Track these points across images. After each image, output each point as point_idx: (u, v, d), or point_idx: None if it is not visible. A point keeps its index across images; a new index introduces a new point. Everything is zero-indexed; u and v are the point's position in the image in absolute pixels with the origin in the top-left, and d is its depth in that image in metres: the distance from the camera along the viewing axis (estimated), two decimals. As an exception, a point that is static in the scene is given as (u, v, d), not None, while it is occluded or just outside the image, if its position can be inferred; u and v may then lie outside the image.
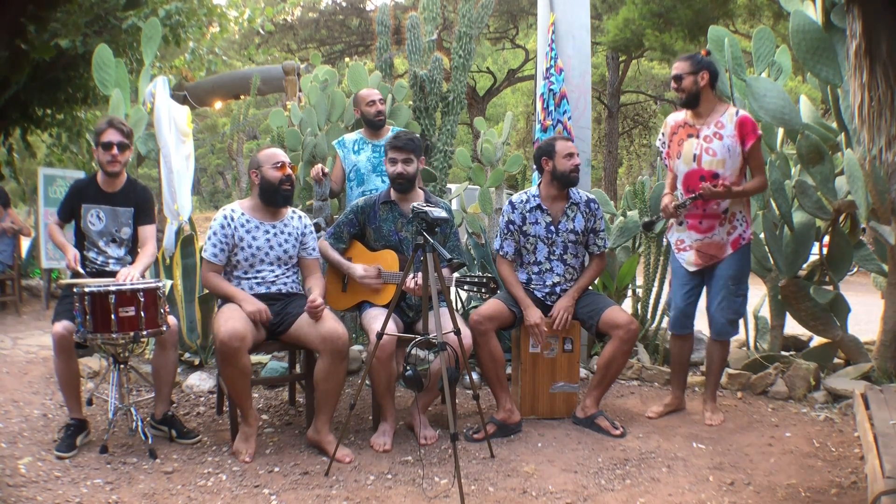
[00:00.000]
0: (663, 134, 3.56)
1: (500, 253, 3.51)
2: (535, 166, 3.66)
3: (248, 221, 3.17)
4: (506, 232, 3.50)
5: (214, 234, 3.13)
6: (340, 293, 3.42)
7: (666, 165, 3.58)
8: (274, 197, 3.17)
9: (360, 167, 4.10)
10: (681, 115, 3.45)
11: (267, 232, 3.18)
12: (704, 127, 3.33)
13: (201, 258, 3.21)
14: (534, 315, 3.38)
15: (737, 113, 3.28)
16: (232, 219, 3.15)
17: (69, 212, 3.33)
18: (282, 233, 3.21)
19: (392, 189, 3.38)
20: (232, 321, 2.88)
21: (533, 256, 3.50)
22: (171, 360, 3.21)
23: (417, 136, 3.40)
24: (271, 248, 3.18)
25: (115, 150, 3.22)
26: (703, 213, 3.38)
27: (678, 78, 3.32)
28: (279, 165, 3.15)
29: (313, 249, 3.29)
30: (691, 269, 3.47)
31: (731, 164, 3.28)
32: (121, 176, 3.32)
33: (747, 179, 3.42)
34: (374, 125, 4.14)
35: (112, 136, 3.22)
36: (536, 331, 3.38)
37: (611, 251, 4.51)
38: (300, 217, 3.30)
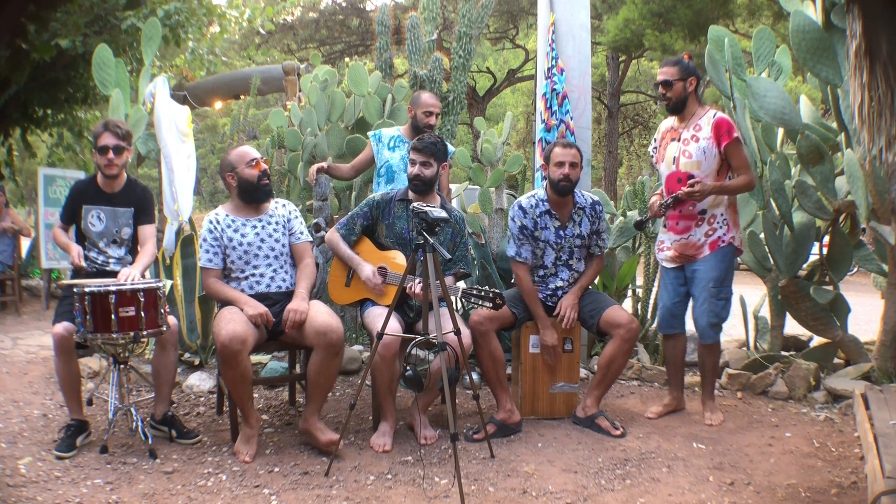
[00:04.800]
0: (655, 140, 3.58)
1: (518, 259, 3.45)
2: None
3: (233, 221, 3.16)
4: (520, 237, 3.45)
5: (205, 240, 3.13)
6: (343, 287, 3.41)
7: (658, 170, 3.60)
8: (255, 195, 3.16)
9: (393, 165, 4.00)
10: (670, 122, 3.49)
11: (255, 227, 3.18)
12: (685, 130, 3.37)
13: (200, 267, 3.21)
14: (551, 336, 3.38)
15: (714, 115, 3.30)
16: (217, 222, 3.15)
17: (71, 214, 3.33)
18: (269, 224, 3.21)
19: (409, 189, 3.38)
20: (232, 324, 2.87)
21: (540, 261, 3.49)
22: (171, 360, 3.21)
23: (442, 140, 3.35)
24: (262, 241, 3.17)
25: (110, 154, 3.22)
26: (679, 213, 3.39)
27: (667, 84, 3.33)
28: (254, 163, 3.14)
29: (301, 233, 3.27)
30: (669, 265, 3.49)
31: (706, 165, 3.29)
32: (120, 177, 3.32)
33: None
34: (420, 131, 4.02)
35: (108, 139, 3.22)
36: (552, 352, 3.39)
37: (611, 251, 4.52)
38: (284, 205, 3.30)
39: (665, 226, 3.50)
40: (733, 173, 3.35)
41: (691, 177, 3.30)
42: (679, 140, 3.37)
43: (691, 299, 3.52)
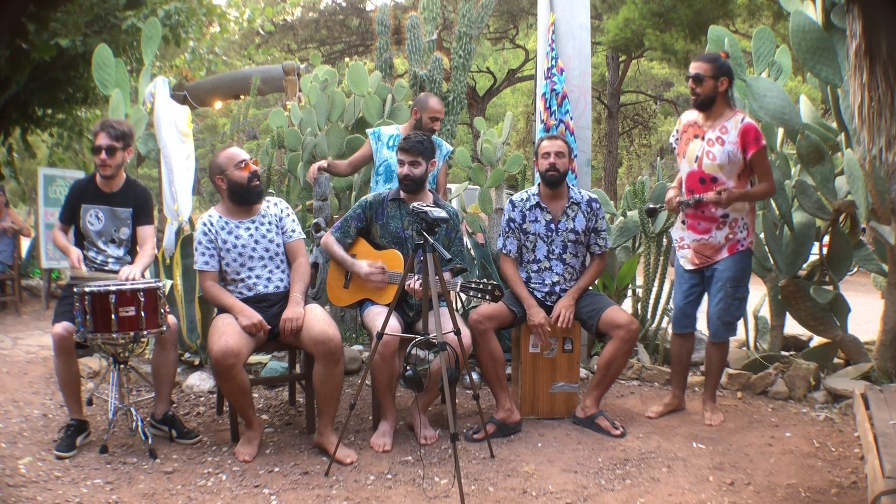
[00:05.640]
0: (677, 131, 3.54)
1: (504, 251, 3.52)
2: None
3: (227, 224, 3.14)
4: (507, 230, 3.51)
5: (200, 243, 3.11)
6: (342, 290, 3.41)
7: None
8: (246, 196, 3.13)
9: (392, 164, 3.95)
10: (694, 115, 3.43)
11: (248, 229, 3.15)
12: (710, 130, 3.31)
13: (196, 271, 3.18)
14: (538, 315, 3.38)
15: (742, 120, 3.25)
16: (211, 224, 3.12)
17: (70, 213, 3.32)
18: (262, 225, 3.18)
19: (400, 189, 3.38)
20: (225, 337, 2.84)
21: (532, 255, 3.50)
22: (171, 360, 3.21)
23: (428, 138, 3.36)
24: (256, 242, 3.15)
25: (103, 155, 3.20)
26: (702, 214, 3.37)
27: (698, 78, 3.27)
28: (243, 165, 3.10)
29: (293, 231, 3.24)
30: (688, 266, 3.48)
31: (729, 169, 3.27)
32: (119, 177, 3.31)
33: (753, 186, 3.38)
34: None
35: (101, 140, 3.20)
36: (540, 331, 3.39)
37: (611, 251, 4.51)
38: (275, 203, 3.27)
39: (684, 222, 3.48)
40: (755, 178, 3.34)
41: (714, 179, 3.28)
42: (703, 139, 3.33)
43: (705, 298, 3.51)
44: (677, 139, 3.52)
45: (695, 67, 3.30)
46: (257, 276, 3.14)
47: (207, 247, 3.10)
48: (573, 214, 3.49)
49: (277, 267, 3.19)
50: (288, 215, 3.26)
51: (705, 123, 3.35)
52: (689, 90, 3.38)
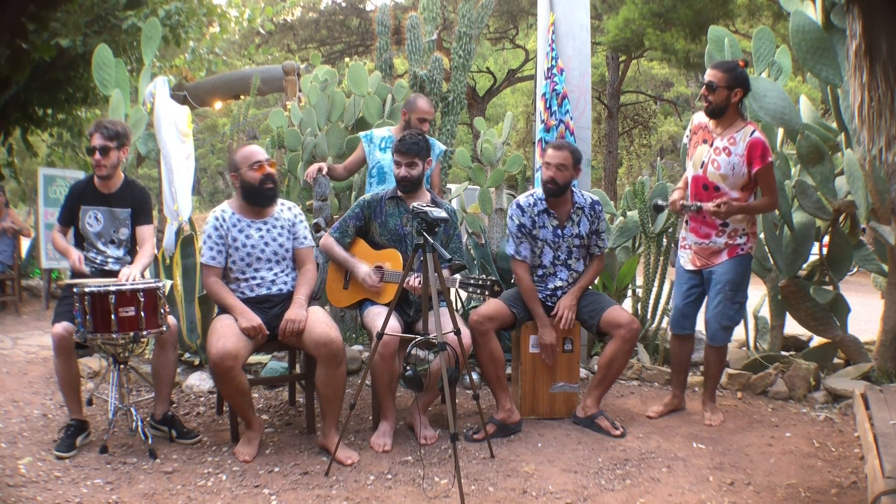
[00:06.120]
0: (689, 130, 3.53)
1: (518, 257, 3.45)
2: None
3: (239, 221, 3.13)
4: (519, 235, 3.45)
5: (209, 237, 3.09)
6: (342, 290, 3.42)
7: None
8: (258, 198, 3.11)
9: (384, 166, 4.00)
10: (706, 118, 3.40)
11: (259, 230, 3.14)
12: (719, 138, 3.29)
13: (201, 264, 3.17)
14: (549, 335, 3.39)
15: (752, 133, 3.21)
16: (224, 219, 3.11)
17: (70, 215, 3.32)
18: (274, 228, 3.16)
19: (398, 189, 3.39)
20: (223, 339, 2.83)
21: (539, 260, 3.49)
22: (171, 360, 3.21)
23: (423, 137, 3.37)
24: (266, 244, 3.14)
25: (97, 156, 3.20)
26: (703, 220, 3.37)
27: (711, 87, 3.22)
28: (257, 166, 3.08)
29: (304, 238, 3.24)
30: (688, 267, 3.48)
31: (732, 180, 3.25)
32: (116, 177, 3.31)
33: (757, 197, 3.36)
34: None
35: (96, 140, 3.20)
36: (550, 351, 3.41)
37: (611, 251, 4.51)
38: (290, 208, 3.25)
39: (687, 223, 3.48)
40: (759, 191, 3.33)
41: (717, 187, 3.28)
42: (711, 145, 3.31)
43: (704, 300, 3.51)
44: (689, 138, 3.51)
45: (710, 75, 3.25)
46: (261, 278, 3.14)
47: (217, 241, 3.09)
48: (578, 219, 3.48)
49: (283, 270, 3.19)
50: (301, 221, 3.25)
51: (715, 130, 3.32)
52: (701, 97, 3.32)
